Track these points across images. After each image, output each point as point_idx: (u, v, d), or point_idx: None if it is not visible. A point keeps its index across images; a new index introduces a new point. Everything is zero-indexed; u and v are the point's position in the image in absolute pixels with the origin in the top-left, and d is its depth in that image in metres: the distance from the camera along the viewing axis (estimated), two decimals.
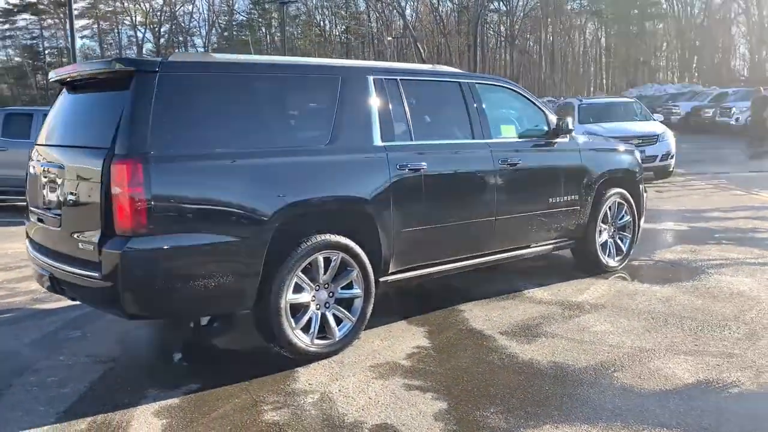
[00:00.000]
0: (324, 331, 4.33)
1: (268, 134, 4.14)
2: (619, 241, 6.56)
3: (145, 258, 3.59)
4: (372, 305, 4.55)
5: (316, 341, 4.27)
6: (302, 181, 4.16)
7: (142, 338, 4.98)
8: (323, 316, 4.32)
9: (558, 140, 5.86)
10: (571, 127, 5.80)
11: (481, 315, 5.16)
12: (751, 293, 5.54)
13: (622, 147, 6.82)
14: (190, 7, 67.69)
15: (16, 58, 65.35)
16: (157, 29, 68.14)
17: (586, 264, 6.37)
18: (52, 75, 4.43)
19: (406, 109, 4.84)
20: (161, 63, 3.79)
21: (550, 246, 5.99)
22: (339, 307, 4.41)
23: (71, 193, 3.94)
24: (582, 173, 6.00)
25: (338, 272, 4.38)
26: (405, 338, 4.69)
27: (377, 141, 4.58)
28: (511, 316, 5.13)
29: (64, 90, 4.52)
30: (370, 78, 4.69)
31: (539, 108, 5.91)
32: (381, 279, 4.70)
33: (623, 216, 6.52)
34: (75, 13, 64.91)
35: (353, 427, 3.38)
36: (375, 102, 4.65)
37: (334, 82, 4.50)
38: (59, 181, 4.07)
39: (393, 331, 4.86)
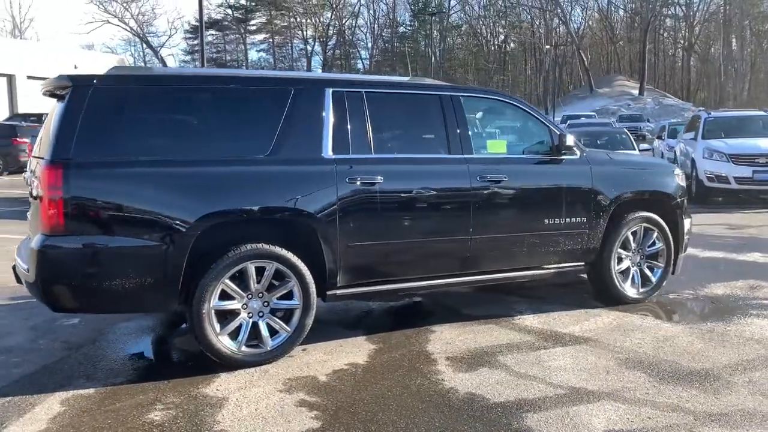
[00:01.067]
0: (259, 339, 4.40)
1: (200, 144, 4.29)
2: (647, 271, 5.93)
3: (59, 256, 3.90)
4: (312, 317, 4.54)
5: (245, 349, 4.35)
6: (231, 191, 4.26)
7: (125, 331, 5.33)
8: (255, 324, 4.39)
9: (563, 157, 5.43)
10: (570, 143, 5.34)
11: (447, 338, 4.93)
12: None
13: (656, 167, 6.16)
14: (356, 22, 70.65)
15: None
16: (325, 42, 71.86)
17: (602, 293, 5.84)
18: (40, 87, 4.93)
19: (368, 122, 4.77)
20: (95, 78, 4.09)
21: (550, 270, 5.56)
22: (273, 317, 4.45)
23: (32, 197, 4.37)
24: (591, 193, 5.51)
25: (274, 282, 4.42)
26: (347, 354, 4.62)
27: (327, 153, 4.56)
28: (477, 341, 4.85)
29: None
30: (329, 91, 4.68)
31: (541, 123, 5.52)
32: (329, 292, 4.67)
33: (654, 243, 5.89)
34: (252, 28, 70.25)
35: None
36: (330, 115, 4.63)
37: (284, 95, 4.55)
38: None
39: (344, 345, 4.80)
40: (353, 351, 4.68)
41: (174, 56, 71.07)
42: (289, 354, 4.54)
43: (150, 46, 67.60)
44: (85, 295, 4.02)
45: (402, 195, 4.80)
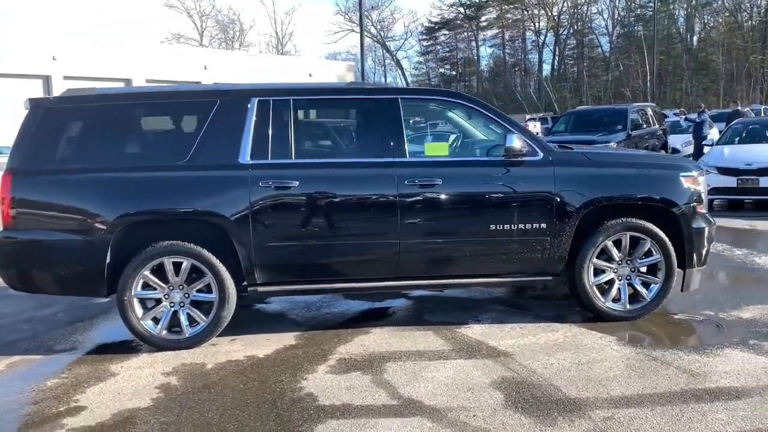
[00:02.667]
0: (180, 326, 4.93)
1: (128, 154, 4.93)
2: (639, 286, 5.24)
3: (6, 245, 4.81)
4: (229, 310, 4.92)
5: (165, 334, 4.90)
6: (145, 194, 4.83)
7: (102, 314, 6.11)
8: (176, 313, 4.92)
9: (520, 158, 5.05)
10: (514, 146, 4.92)
11: (369, 340, 4.97)
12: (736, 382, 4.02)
13: (655, 168, 5.34)
14: (595, 8, 67.13)
15: (440, 70, 74.54)
16: (558, 32, 69.54)
17: (585, 308, 5.30)
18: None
19: (291, 128, 5.00)
20: (47, 100, 4.94)
21: (505, 279, 5.23)
22: (193, 308, 4.93)
23: None
24: (552, 198, 5.04)
25: (191, 277, 4.90)
26: (260, 347, 4.92)
27: (245, 159, 4.90)
28: (391, 346, 4.82)
29: None
30: (255, 100, 5.00)
31: (497, 123, 5.18)
32: (250, 288, 5.02)
33: (649, 254, 5.18)
34: (483, 24, 70.63)
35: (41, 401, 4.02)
36: (252, 123, 4.96)
37: (209, 106, 4.99)
38: None
39: (270, 339, 5.10)
40: (268, 345, 4.96)
41: (409, 58, 74.36)
42: (211, 342, 4.99)
43: (388, 51, 71.81)
44: (29, 278, 4.91)
45: (319, 199, 4.94)
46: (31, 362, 4.81)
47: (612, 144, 13.22)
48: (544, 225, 5.07)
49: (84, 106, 5.02)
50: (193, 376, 4.39)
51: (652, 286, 5.25)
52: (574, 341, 4.78)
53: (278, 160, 4.95)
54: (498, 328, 5.14)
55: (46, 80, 31.15)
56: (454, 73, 73.12)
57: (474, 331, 5.10)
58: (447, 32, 72.18)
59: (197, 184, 4.87)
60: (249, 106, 4.99)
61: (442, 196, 5.00)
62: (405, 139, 5.06)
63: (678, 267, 5.23)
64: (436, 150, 5.30)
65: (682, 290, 5.32)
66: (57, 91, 26.97)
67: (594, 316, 5.23)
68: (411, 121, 6.43)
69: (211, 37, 72.49)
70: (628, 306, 5.23)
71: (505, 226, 5.04)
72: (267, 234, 4.88)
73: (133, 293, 4.83)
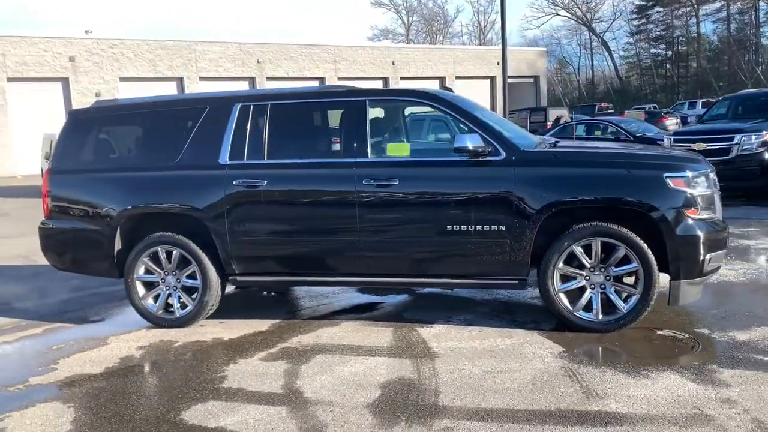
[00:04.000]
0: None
1: (135, 155, 5.69)
2: (613, 296, 4.84)
3: (45, 231, 5.84)
4: (211, 296, 5.49)
5: (161, 313, 5.62)
6: (142, 191, 5.55)
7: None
8: (168, 297, 5.61)
9: (484, 158, 4.90)
10: (467, 146, 4.78)
11: (325, 333, 5.22)
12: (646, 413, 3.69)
13: (635, 168, 4.81)
14: None
15: (652, 51, 69.09)
16: None
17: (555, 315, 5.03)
18: None
19: (266, 131, 5.40)
20: (78, 110, 5.88)
21: (466, 281, 5.14)
22: (183, 292, 5.58)
23: None
24: (511, 199, 4.84)
25: (182, 265, 5.54)
26: (234, 331, 5.41)
27: (223, 160, 5.41)
28: (343, 340, 5.03)
29: None
30: (237, 106, 5.49)
31: (462, 123, 5.07)
32: (230, 277, 5.54)
33: (627, 262, 4.77)
34: None
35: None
36: (233, 126, 5.45)
37: (200, 112, 5.57)
38: None
39: (250, 324, 5.57)
40: (242, 330, 5.43)
41: (616, 40, 69.54)
42: (201, 323, 5.61)
43: (594, 33, 68.17)
44: (63, 259, 5.89)
45: (285, 197, 5.29)
46: (60, 329, 5.80)
47: (764, 134, 11.62)
48: (503, 227, 4.90)
49: (102, 116, 5.88)
50: (155, 352, 5.02)
51: (630, 297, 4.82)
52: (515, 349, 4.59)
53: (251, 161, 5.38)
54: (456, 330, 5.08)
55: (252, 82, 34.78)
56: (669, 53, 67.24)
57: (431, 331, 5.10)
58: (661, 9, 66.50)
59: (183, 182, 5.49)
60: (232, 111, 5.48)
61: (399, 196, 5.07)
62: (368, 139, 5.19)
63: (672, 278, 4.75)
64: (398, 150, 5.33)
65: (669, 304, 4.80)
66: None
67: (563, 325, 4.94)
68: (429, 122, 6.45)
69: (416, 31, 74.85)
70: (600, 317, 4.85)
71: (463, 227, 4.95)
72: (240, 229, 5.35)
73: (135, 276, 5.59)
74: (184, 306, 5.59)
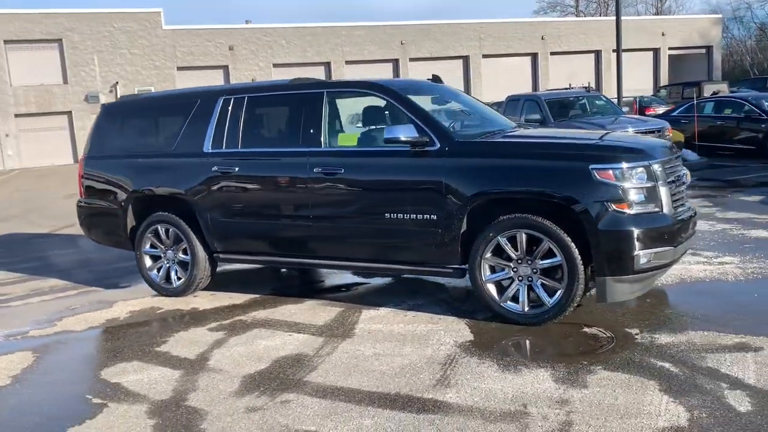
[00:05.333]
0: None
1: (144, 144, 6.44)
2: (539, 289, 4.76)
3: (80, 209, 6.84)
4: (199, 270, 6.14)
5: (162, 283, 6.38)
6: (145, 175, 6.31)
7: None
8: (168, 269, 6.36)
9: (422, 149, 5.00)
10: (398, 137, 4.88)
11: (281, 310, 5.64)
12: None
13: (553, 158, 4.63)
14: None
15: None
16: None
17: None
18: None
19: (242, 121, 5.89)
20: (108, 103, 6.77)
21: (405, 267, 5.29)
22: (179, 266, 6.30)
23: None
24: (440, 189, 4.90)
25: (176, 241, 6.26)
26: (218, 301, 6.02)
27: (207, 148, 6.01)
28: (289, 315, 5.44)
29: None
30: (221, 99, 6.04)
31: (403, 114, 5.17)
32: (214, 254, 6.16)
33: (550, 255, 4.67)
34: None
35: None
36: (216, 117, 6.01)
37: (193, 105, 6.19)
38: None
39: (233, 298, 6.15)
40: (220, 302, 6.02)
41: None
42: (194, 293, 6.30)
43: None
44: (94, 232, 6.86)
45: (252, 183, 5.78)
46: (92, 292, 6.79)
47: None
48: (434, 216, 4.99)
49: (124, 109, 6.73)
50: (136, 317, 5.77)
51: (554, 292, 4.70)
52: (426, 335, 4.71)
53: (228, 149, 5.91)
54: (394, 314, 5.26)
55: (395, 63, 35.54)
56: None
57: (371, 314, 5.33)
58: None
59: (175, 168, 6.16)
60: (216, 104, 6.04)
61: (343, 184, 5.33)
62: (323, 129, 5.49)
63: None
64: (347, 140, 5.55)
65: (597, 301, 4.62)
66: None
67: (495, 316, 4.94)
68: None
69: (587, 2, 71.23)
70: (526, 309, 4.79)
71: (400, 215, 5.11)
72: (217, 211, 5.93)
73: (143, 250, 6.41)
74: (180, 278, 6.30)
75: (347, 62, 34.51)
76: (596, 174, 4.50)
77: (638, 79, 36.41)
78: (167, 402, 3.88)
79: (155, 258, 6.42)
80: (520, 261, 4.79)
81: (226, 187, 5.89)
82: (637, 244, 4.46)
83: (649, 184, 4.56)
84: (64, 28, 30.66)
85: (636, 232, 4.46)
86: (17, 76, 30.31)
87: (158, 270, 6.40)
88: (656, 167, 4.63)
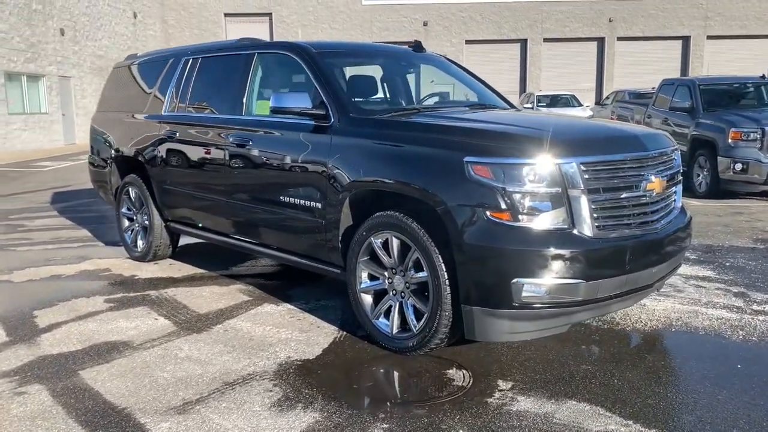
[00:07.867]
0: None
1: (131, 102, 6.28)
2: (408, 310, 3.74)
3: (90, 166, 6.97)
4: (155, 237, 5.92)
5: (132, 246, 6.25)
6: (122, 137, 6.20)
7: None
8: (137, 233, 6.23)
9: (321, 123, 4.18)
10: (292, 107, 4.10)
11: (213, 290, 5.19)
12: None
13: (436, 145, 3.47)
14: None
15: None
16: None
17: None
18: None
19: (192, 84, 5.49)
20: (117, 63, 6.78)
21: (296, 260, 4.52)
22: (143, 231, 6.12)
23: None
24: (323, 174, 4.05)
25: (140, 206, 6.09)
26: (175, 273, 5.75)
27: (165, 111, 5.72)
28: (194, 293, 4.99)
29: None
30: (183, 59, 5.68)
31: (317, 83, 4.31)
32: (166, 223, 5.89)
33: (419, 268, 3.63)
34: None
35: None
36: (176, 78, 5.68)
37: (165, 64, 5.91)
38: None
39: (190, 272, 5.83)
40: (175, 273, 5.71)
41: None
42: (155, 261, 6.09)
43: None
44: (98, 188, 6.93)
45: (185, 151, 5.34)
46: (89, 246, 6.92)
47: None
48: (319, 204, 4.16)
49: (126, 68, 6.66)
50: (79, 275, 5.69)
51: (422, 310, 3.64)
52: (273, 344, 3.93)
53: (177, 113, 5.54)
54: (283, 313, 4.53)
55: (600, 42, 32.77)
56: None
57: (264, 308, 4.64)
58: None
59: (139, 131, 5.95)
60: (179, 64, 5.69)
61: (250, 159, 4.68)
62: (245, 95, 4.87)
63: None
64: (263, 109, 4.80)
65: (465, 336, 3.47)
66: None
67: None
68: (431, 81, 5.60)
69: None
70: (394, 332, 3.79)
71: (292, 200, 4.36)
72: (162, 178, 5.65)
73: (120, 212, 6.36)
74: (142, 243, 6.14)
75: (545, 40, 32.46)
76: (471, 169, 3.33)
77: None
78: None
79: (131, 220, 6.32)
80: (394, 271, 3.79)
81: (168, 154, 5.55)
82: (518, 268, 3.24)
83: (552, 190, 3.28)
84: (275, 2, 32.78)
85: (518, 251, 3.23)
86: None
87: (131, 232, 6.30)
88: (572, 167, 3.30)
